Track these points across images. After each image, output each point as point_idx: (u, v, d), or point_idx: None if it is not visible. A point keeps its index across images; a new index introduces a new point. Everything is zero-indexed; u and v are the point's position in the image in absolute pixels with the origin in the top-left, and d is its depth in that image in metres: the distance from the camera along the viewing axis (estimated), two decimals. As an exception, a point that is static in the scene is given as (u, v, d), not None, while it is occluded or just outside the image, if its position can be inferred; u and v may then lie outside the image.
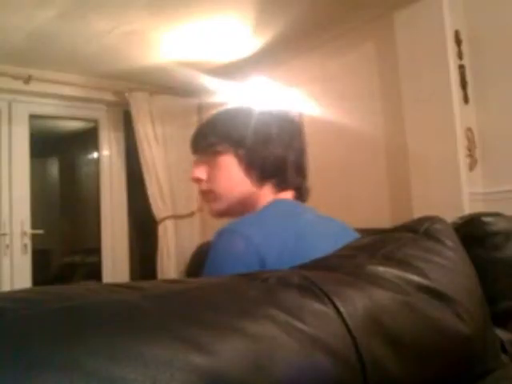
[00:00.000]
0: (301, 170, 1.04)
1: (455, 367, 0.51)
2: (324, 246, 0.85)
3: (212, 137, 1.00)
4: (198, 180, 1.02)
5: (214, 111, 1.11)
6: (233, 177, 0.99)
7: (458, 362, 0.52)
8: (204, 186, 1.02)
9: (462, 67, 2.17)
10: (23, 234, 3.13)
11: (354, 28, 2.66)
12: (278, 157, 0.99)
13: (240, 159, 0.98)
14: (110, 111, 3.57)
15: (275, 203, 0.97)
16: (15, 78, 3.04)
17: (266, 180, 0.99)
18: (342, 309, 0.43)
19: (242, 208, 0.99)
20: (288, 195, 1.01)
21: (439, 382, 0.49)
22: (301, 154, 1.04)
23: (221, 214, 1.03)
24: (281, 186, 1.00)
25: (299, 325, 0.40)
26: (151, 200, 3.37)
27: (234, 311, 0.40)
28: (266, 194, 0.99)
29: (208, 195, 1.02)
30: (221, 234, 0.88)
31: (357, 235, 0.95)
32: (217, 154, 0.99)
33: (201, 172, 1.02)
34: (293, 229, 0.87)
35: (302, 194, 1.04)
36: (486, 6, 2.16)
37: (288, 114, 1.12)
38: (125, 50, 2.87)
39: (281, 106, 3.09)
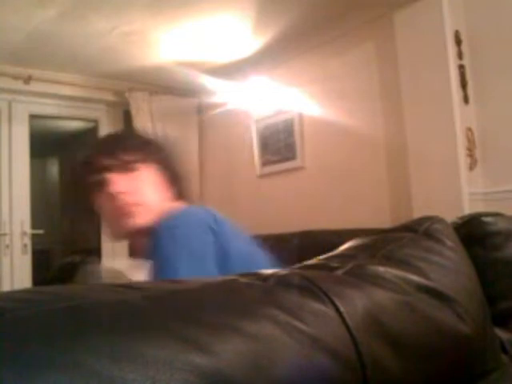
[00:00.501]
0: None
1: (455, 367, 0.51)
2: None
3: (126, 153, 1.03)
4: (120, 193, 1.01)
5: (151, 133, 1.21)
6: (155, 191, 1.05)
7: (458, 362, 0.52)
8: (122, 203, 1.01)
9: (462, 67, 2.17)
10: (23, 234, 3.13)
11: (354, 28, 2.67)
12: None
13: (155, 172, 1.06)
14: (110, 111, 3.57)
15: (187, 209, 1.01)
16: (15, 77, 3.04)
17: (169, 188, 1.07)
18: (342, 309, 0.43)
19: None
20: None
21: (439, 382, 0.49)
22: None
23: (132, 233, 1.02)
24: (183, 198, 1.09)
25: (299, 325, 0.40)
26: (151, 200, 3.36)
27: (234, 311, 0.40)
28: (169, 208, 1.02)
29: (130, 208, 1.01)
30: (173, 218, 0.91)
31: None
32: (135, 168, 1.03)
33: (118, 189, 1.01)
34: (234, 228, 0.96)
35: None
36: (485, 6, 2.16)
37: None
38: (125, 50, 2.87)
39: (279, 105, 3.09)
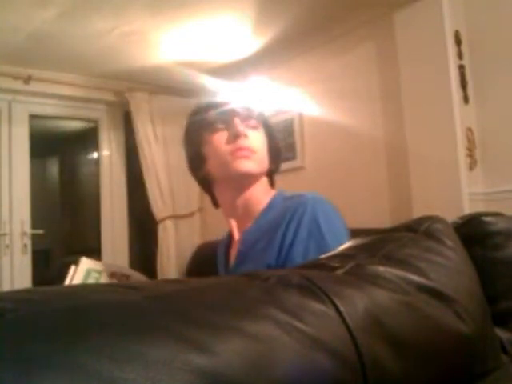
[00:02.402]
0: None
1: (455, 367, 0.51)
2: None
3: (252, 112, 1.12)
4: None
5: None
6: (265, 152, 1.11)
7: (458, 361, 0.52)
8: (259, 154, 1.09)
9: (462, 67, 2.17)
10: (23, 234, 3.13)
11: (354, 28, 2.66)
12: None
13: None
14: (110, 111, 3.57)
15: (284, 192, 1.09)
16: (15, 77, 3.04)
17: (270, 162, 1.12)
18: (341, 309, 0.43)
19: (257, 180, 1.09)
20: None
21: (439, 382, 0.49)
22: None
23: (252, 174, 1.07)
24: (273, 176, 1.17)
25: (299, 325, 0.40)
26: (151, 200, 3.36)
27: (234, 311, 0.40)
28: (265, 180, 1.12)
29: (249, 152, 1.07)
30: (326, 202, 0.97)
31: None
32: (256, 127, 1.10)
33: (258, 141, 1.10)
34: None
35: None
36: (486, 6, 2.16)
37: None
38: (125, 50, 2.87)
39: (279, 105, 3.09)
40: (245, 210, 1.07)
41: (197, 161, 1.12)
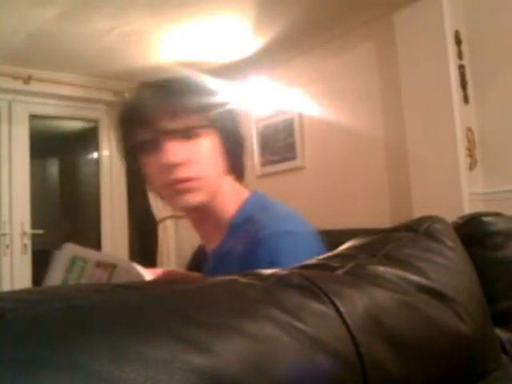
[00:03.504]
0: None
1: (455, 367, 0.51)
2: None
3: (191, 113, 0.84)
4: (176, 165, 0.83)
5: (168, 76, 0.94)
6: (216, 162, 0.87)
7: (458, 362, 0.52)
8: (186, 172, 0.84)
9: (462, 67, 2.17)
10: (23, 234, 3.13)
11: (354, 28, 2.67)
12: (242, 146, 0.90)
13: (218, 145, 0.86)
14: (110, 111, 3.57)
15: (262, 199, 0.90)
16: (15, 77, 3.04)
17: (229, 170, 0.89)
18: (341, 309, 0.43)
19: (211, 200, 0.87)
20: (239, 185, 0.93)
21: (439, 382, 0.49)
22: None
23: (195, 209, 0.88)
24: (240, 179, 0.92)
25: (299, 325, 0.40)
26: (151, 200, 3.37)
27: (234, 311, 0.40)
28: (228, 186, 0.89)
29: (190, 183, 0.84)
30: (279, 236, 0.77)
31: None
32: (198, 134, 0.84)
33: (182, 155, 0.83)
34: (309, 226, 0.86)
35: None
36: (486, 6, 2.16)
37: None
38: (125, 50, 2.87)
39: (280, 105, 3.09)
40: (210, 227, 0.91)
41: (139, 178, 0.91)
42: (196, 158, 0.83)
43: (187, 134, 0.83)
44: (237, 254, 0.81)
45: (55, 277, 0.85)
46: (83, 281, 0.83)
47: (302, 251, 0.76)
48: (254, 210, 0.86)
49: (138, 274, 0.83)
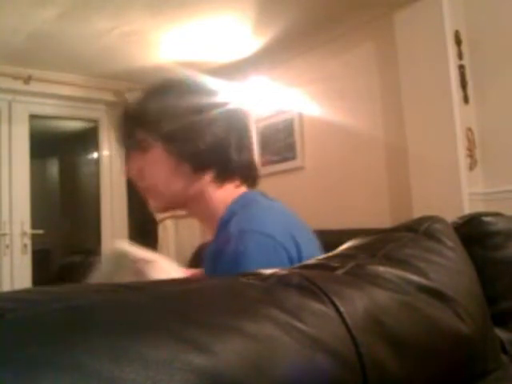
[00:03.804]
0: (245, 155, 0.93)
1: (455, 367, 0.51)
2: (313, 247, 0.88)
3: (139, 131, 0.89)
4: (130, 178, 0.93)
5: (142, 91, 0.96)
6: (163, 172, 0.89)
7: (458, 361, 0.52)
8: (139, 184, 0.93)
9: (462, 67, 2.17)
10: (23, 234, 3.13)
11: (354, 28, 2.67)
12: (213, 144, 0.88)
13: (169, 152, 0.88)
14: (110, 111, 3.57)
15: (250, 197, 0.90)
16: (15, 77, 3.04)
17: (202, 171, 0.89)
18: (341, 309, 0.43)
19: (186, 203, 0.92)
20: (236, 184, 0.92)
21: (439, 382, 0.49)
22: (243, 139, 0.93)
23: (162, 210, 0.98)
24: (223, 176, 0.90)
25: (299, 325, 0.40)
26: (151, 200, 3.36)
27: (234, 311, 0.40)
28: (211, 186, 0.90)
29: (146, 192, 0.93)
30: (242, 236, 0.78)
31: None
32: (145, 149, 0.89)
33: (131, 170, 0.92)
34: (291, 233, 0.83)
35: (250, 183, 0.95)
36: (486, 7, 2.16)
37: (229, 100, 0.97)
38: (125, 50, 2.87)
39: (279, 104, 3.09)
40: (208, 226, 0.95)
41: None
42: (141, 172, 0.90)
43: (139, 146, 0.89)
44: (212, 252, 0.82)
45: (101, 270, 0.91)
46: (121, 274, 0.88)
47: (262, 253, 0.77)
48: (238, 208, 0.86)
49: (169, 272, 0.87)
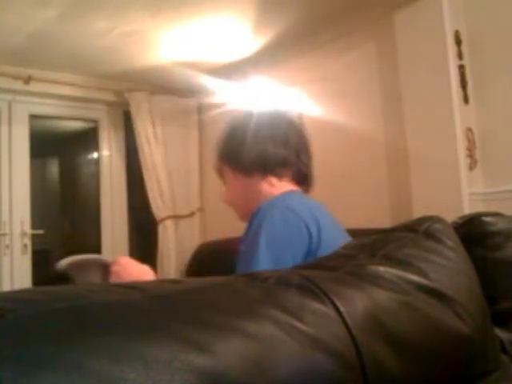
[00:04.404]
0: (301, 162, 1.12)
1: (455, 367, 0.51)
2: (336, 235, 1.01)
3: (218, 159, 1.19)
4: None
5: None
6: (236, 187, 1.14)
7: (458, 361, 0.52)
8: (228, 203, 1.18)
9: (462, 67, 2.17)
10: (23, 234, 3.13)
11: (354, 28, 2.66)
12: (276, 154, 1.08)
13: (236, 170, 1.12)
14: (110, 111, 3.57)
15: (288, 194, 1.05)
16: (15, 77, 3.04)
17: (266, 174, 1.08)
18: (341, 309, 0.43)
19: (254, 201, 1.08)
20: (289, 184, 1.10)
21: (439, 382, 0.49)
22: (298, 148, 1.12)
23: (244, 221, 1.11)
24: (281, 177, 1.09)
25: (299, 325, 0.40)
26: (151, 200, 3.36)
27: (234, 311, 0.40)
28: (270, 186, 1.09)
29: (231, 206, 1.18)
30: (270, 208, 0.93)
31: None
32: (223, 172, 1.17)
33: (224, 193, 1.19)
34: (315, 215, 0.97)
35: (302, 182, 1.14)
36: (485, 6, 2.16)
37: (282, 113, 1.24)
38: (125, 50, 2.87)
39: (280, 106, 3.09)
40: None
41: None
42: (226, 190, 1.16)
43: (220, 176, 1.18)
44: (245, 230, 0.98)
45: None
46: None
47: (285, 223, 0.91)
48: (265, 202, 1.01)
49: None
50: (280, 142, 1.09)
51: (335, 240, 0.87)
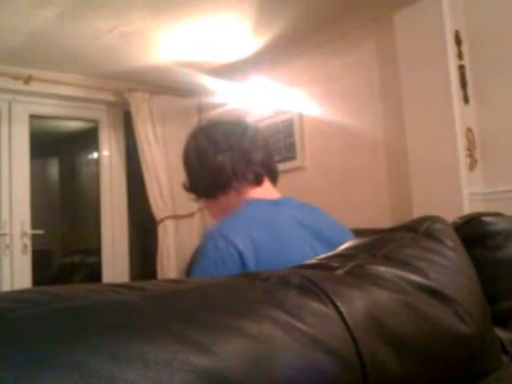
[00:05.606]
0: (253, 163, 1.17)
1: (455, 367, 0.51)
2: (302, 234, 1.05)
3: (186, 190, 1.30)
4: None
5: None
6: (211, 207, 1.26)
7: (458, 361, 0.52)
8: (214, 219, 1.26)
9: (462, 67, 2.17)
10: (23, 234, 3.13)
11: (354, 28, 2.66)
12: (219, 168, 1.16)
13: (202, 196, 1.25)
14: (110, 111, 3.57)
15: (248, 207, 1.11)
16: (15, 77, 3.04)
17: (228, 189, 1.16)
18: (342, 309, 0.43)
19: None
20: (252, 187, 1.16)
21: (439, 382, 0.49)
22: (249, 150, 1.17)
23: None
24: (241, 184, 1.16)
25: (299, 325, 0.40)
26: (151, 200, 3.36)
27: (234, 311, 0.40)
28: (236, 195, 1.16)
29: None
30: (207, 238, 1.00)
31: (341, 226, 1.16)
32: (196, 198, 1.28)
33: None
34: (268, 230, 1.01)
35: (264, 178, 1.19)
36: (486, 6, 2.16)
37: (220, 122, 1.27)
38: (125, 50, 2.87)
39: (279, 106, 3.09)
40: None
41: None
42: (208, 212, 1.32)
43: (196, 200, 1.30)
44: None
45: None
46: None
47: (215, 249, 0.97)
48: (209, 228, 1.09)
49: None
50: (228, 156, 1.14)
51: (287, 252, 0.97)
